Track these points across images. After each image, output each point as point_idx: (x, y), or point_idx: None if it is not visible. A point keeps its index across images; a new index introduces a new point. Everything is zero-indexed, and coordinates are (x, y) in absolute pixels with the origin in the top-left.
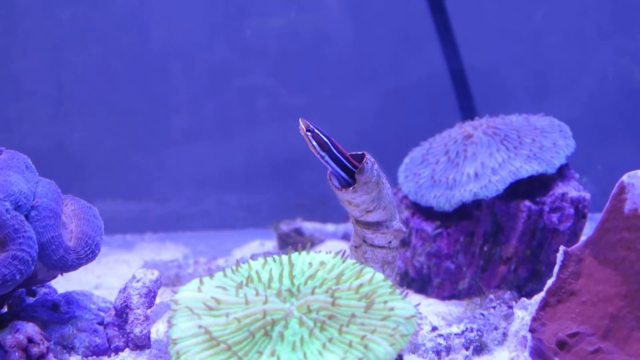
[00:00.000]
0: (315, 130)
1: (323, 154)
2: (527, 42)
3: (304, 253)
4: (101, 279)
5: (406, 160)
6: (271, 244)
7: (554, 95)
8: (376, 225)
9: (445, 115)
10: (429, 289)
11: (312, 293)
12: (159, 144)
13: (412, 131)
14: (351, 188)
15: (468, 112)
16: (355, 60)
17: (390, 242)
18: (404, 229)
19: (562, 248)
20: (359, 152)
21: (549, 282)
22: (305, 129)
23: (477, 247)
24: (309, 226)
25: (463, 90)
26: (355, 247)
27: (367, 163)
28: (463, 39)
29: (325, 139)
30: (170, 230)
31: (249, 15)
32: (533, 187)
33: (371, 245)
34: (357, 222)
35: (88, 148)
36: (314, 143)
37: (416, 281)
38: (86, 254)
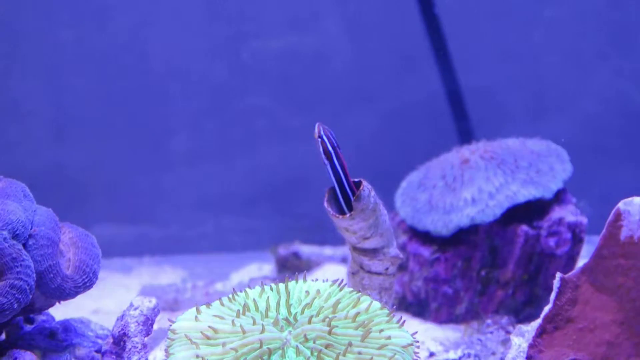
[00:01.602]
0: (324, 137)
1: (326, 162)
2: (525, 63)
3: (300, 281)
4: (100, 304)
5: (403, 184)
6: (269, 268)
7: (552, 117)
8: (373, 252)
9: (443, 136)
10: (427, 313)
11: (309, 322)
12: (157, 167)
13: (409, 152)
14: (348, 215)
15: (465, 133)
16: (353, 82)
17: (387, 268)
18: (401, 255)
19: (558, 275)
20: (356, 179)
21: (546, 309)
22: (317, 134)
23: (475, 272)
24: (306, 249)
25: (460, 111)
26: (353, 273)
27: (364, 190)
28: (461, 60)
29: (330, 149)
30: (169, 254)
31: (248, 37)
32: (530, 211)
33: (368, 272)
34: (354, 248)
35: (87, 171)
36: (321, 149)
37: (414, 305)
38: (84, 282)
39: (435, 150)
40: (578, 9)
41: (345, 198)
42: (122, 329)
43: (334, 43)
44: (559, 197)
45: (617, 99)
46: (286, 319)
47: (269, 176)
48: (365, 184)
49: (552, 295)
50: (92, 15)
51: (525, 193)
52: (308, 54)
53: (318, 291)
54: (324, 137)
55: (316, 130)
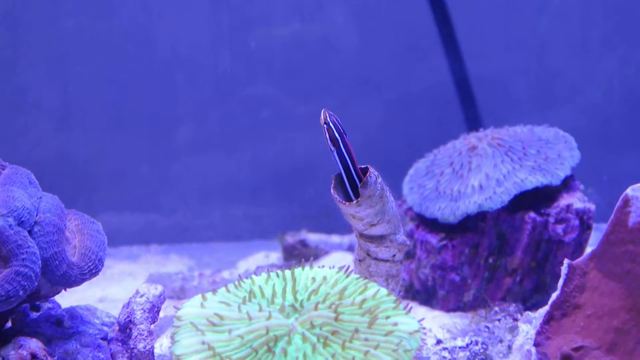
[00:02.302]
0: (330, 124)
1: (333, 149)
2: (531, 51)
3: (307, 268)
4: (106, 292)
5: (411, 171)
6: (276, 256)
7: (559, 105)
8: (380, 239)
9: (450, 125)
10: (434, 301)
11: (315, 308)
12: (164, 156)
13: (416, 141)
14: (355, 202)
15: (473, 122)
16: (360, 70)
17: (394, 255)
18: (408, 242)
19: (566, 261)
20: (363, 166)
21: (554, 296)
22: (323, 121)
23: (482, 259)
24: (314, 238)
25: (468, 99)
26: (359, 260)
27: (370, 177)
28: (467, 48)
29: (337, 135)
30: (176, 242)
31: (253, 25)
32: (538, 198)
33: (375, 258)
34: (361, 235)
35: (93, 160)
36: (327, 136)
37: (421, 293)
38: (89, 269)
39: (442, 139)
40: None
41: (352, 185)
42: (128, 316)
43: (340, 31)
44: (567, 184)
45: (624, 87)
46: (292, 306)
47: (275, 164)
48: (372, 170)
49: (560, 282)
50: (97, 3)
51: (533, 180)
52: (314, 42)
53: (324, 278)
54: (330, 124)
55: (322, 116)
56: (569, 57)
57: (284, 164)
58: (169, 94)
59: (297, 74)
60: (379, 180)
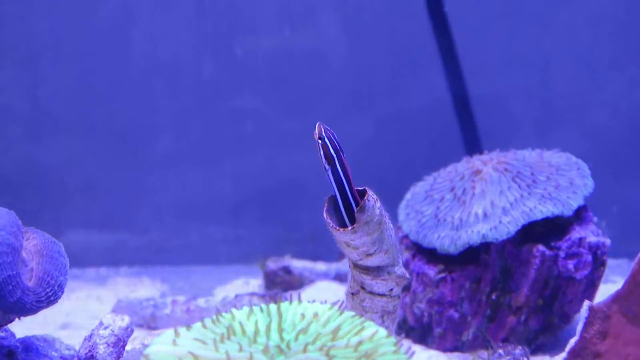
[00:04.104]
0: (325, 139)
1: (327, 167)
2: (535, 70)
3: (295, 302)
4: (70, 318)
5: (407, 196)
6: (257, 283)
7: (562, 127)
8: (377, 271)
9: (447, 146)
10: (430, 339)
11: (304, 350)
12: (138, 169)
13: (411, 161)
14: (350, 228)
15: (472, 143)
16: (351, 84)
17: (391, 289)
18: (408, 275)
19: (586, 303)
20: (360, 188)
21: (572, 342)
22: (317, 135)
23: (484, 295)
24: (298, 264)
25: (467, 119)
26: (352, 294)
27: (369, 200)
28: (467, 64)
29: (333, 152)
30: (148, 264)
31: (239, 32)
32: (547, 230)
33: (370, 292)
34: (356, 266)
35: (61, 170)
36: (322, 152)
37: (415, 330)
38: (47, 297)
39: (439, 159)
40: (593, 15)
41: (348, 208)
42: (90, 350)
43: (331, 41)
44: (579, 215)
45: (632, 110)
46: (278, 347)
47: (258, 182)
48: (371, 193)
49: (579, 327)
50: (71, 4)
51: (543, 210)
52: (303, 52)
53: (315, 314)
54: (326, 139)
55: (317, 130)
56: (575, 77)
57: (267, 182)
58: (146, 101)
59: (285, 85)
60: (378, 204)
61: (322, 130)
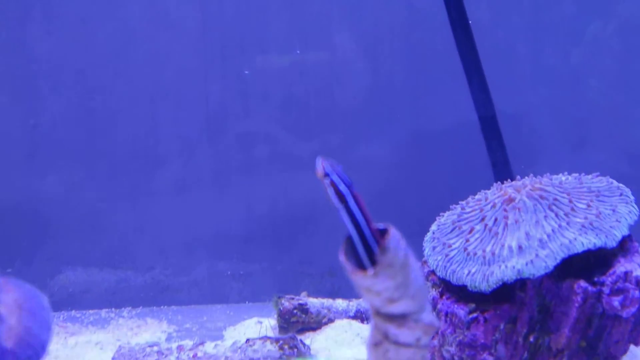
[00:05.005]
0: (332, 176)
1: (340, 205)
2: (564, 85)
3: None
4: None
5: (433, 227)
6: (270, 323)
7: (594, 146)
8: (402, 318)
9: (474, 171)
10: None
11: None
12: (141, 200)
13: (435, 188)
14: (370, 271)
15: (502, 166)
16: (369, 104)
17: (419, 339)
18: (437, 323)
19: None
20: (381, 226)
21: None
22: (321, 174)
23: (521, 337)
24: (315, 302)
25: (495, 141)
26: (375, 345)
27: (391, 240)
28: (492, 81)
29: (343, 189)
30: (153, 304)
31: (249, 52)
32: (589, 263)
33: (395, 342)
34: (378, 314)
35: (59, 202)
36: (332, 191)
37: None
38: (28, 358)
39: (467, 186)
40: (626, 25)
41: (367, 249)
42: None
43: (346, 60)
44: (623, 246)
45: None
46: None
47: (271, 212)
48: (393, 232)
49: None
50: (70, 26)
51: (584, 241)
52: (317, 72)
53: None
54: (332, 177)
55: (319, 167)
56: (607, 92)
57: (280, 212)
58: (150, 127)
59: (297, 107)
60: (402, 244)
61: (326, 166)
